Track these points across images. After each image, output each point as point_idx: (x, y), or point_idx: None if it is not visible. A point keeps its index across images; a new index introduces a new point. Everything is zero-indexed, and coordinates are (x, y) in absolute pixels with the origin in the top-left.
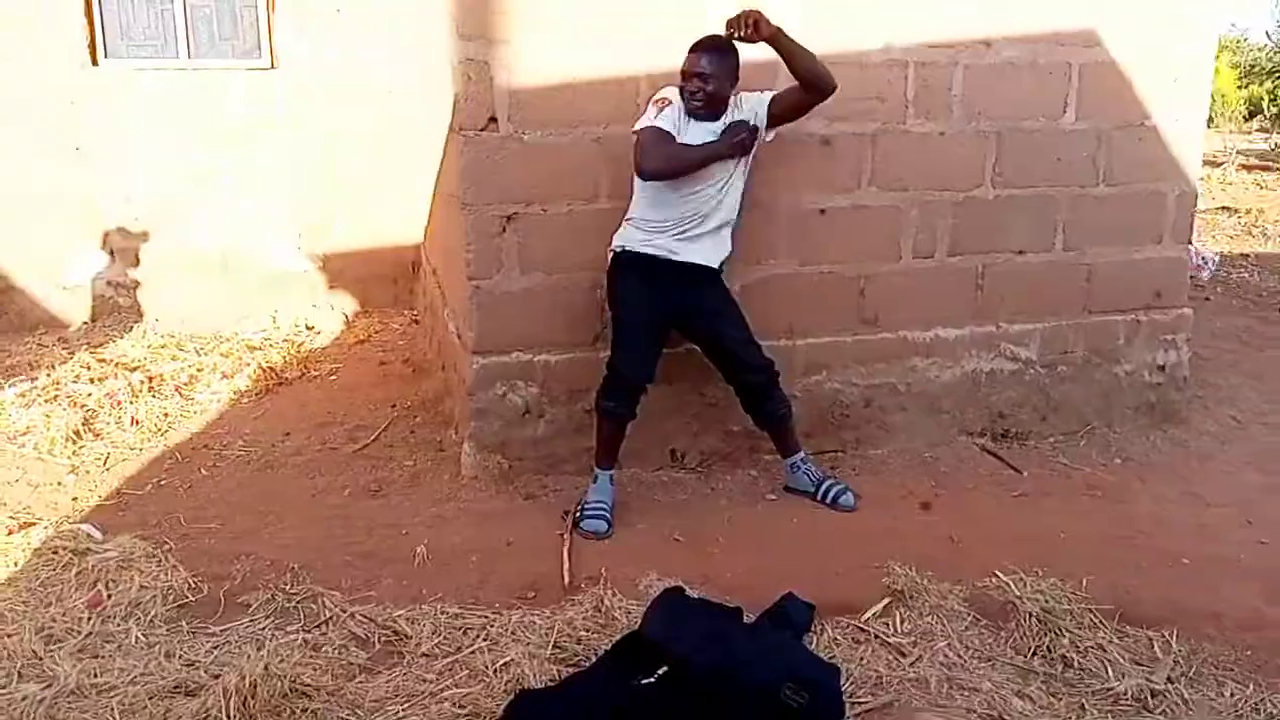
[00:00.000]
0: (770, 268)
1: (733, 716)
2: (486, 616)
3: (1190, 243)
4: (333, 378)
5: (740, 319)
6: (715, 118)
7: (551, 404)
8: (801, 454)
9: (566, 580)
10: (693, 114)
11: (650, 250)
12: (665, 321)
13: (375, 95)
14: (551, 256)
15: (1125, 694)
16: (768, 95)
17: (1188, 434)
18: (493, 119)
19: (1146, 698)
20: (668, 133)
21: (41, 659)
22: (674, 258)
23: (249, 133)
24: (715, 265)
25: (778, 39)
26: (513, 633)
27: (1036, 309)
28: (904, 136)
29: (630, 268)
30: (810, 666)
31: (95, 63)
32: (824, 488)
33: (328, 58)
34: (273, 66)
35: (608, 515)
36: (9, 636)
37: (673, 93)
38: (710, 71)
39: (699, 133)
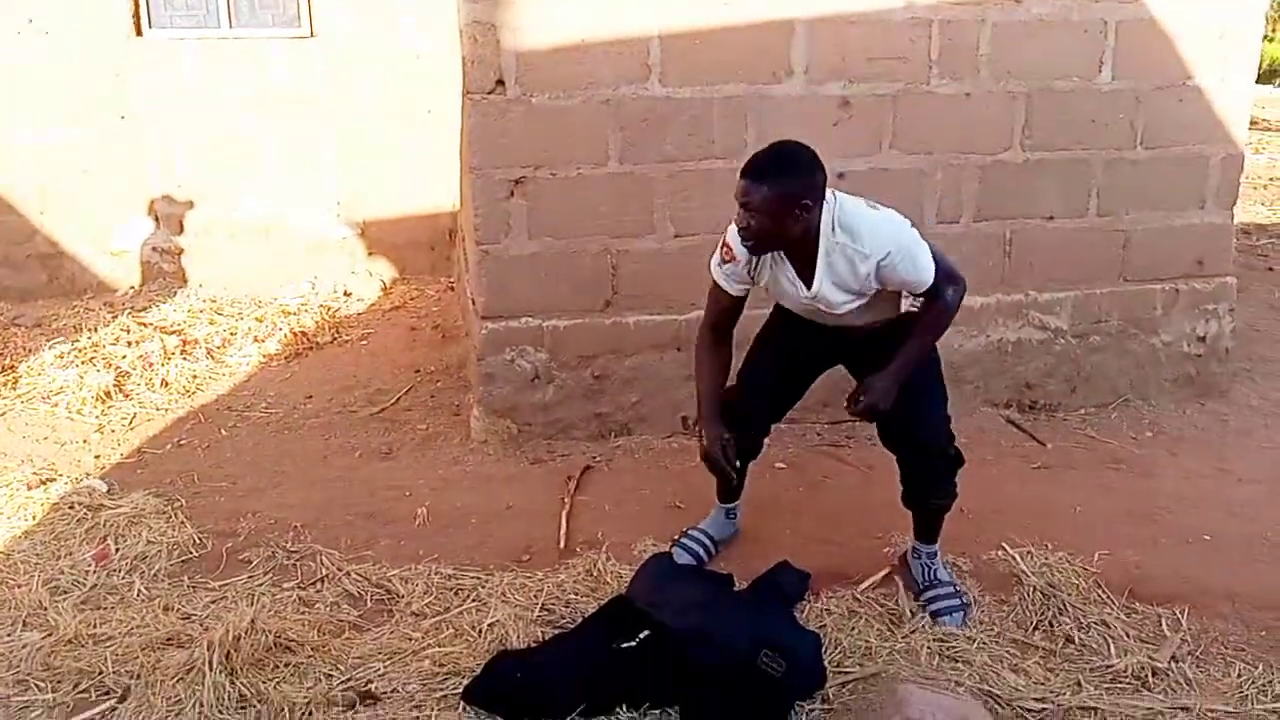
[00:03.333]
0: None
1: (709, 682)
2: (479, 578)
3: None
4: (363, 343)
5: (920, 382)
6: (801, 258)
7: (560, 369)
8: (935, 549)
9: (563, 544)
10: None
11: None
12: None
13: (413, 63)
14: (560, 221)
15: (1125, 671)
16: (881, 270)
17: (1228, 408)
18: (500, 82)
19: (1147, 675)
20: (721, 290)
21: (46, 609)
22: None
23: (289, 101)
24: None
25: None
26: (502, 594)
27: (1068, 276)
28: (927, 98)
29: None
30: (789, 634)
31: (139, 33)
32: (930, 594)
33: (366, 26)
34: (312, 35)
35: (699, 550)
36: (19, 587)
37: (737, 245)
38: (755, 205)
39: (779, 277)
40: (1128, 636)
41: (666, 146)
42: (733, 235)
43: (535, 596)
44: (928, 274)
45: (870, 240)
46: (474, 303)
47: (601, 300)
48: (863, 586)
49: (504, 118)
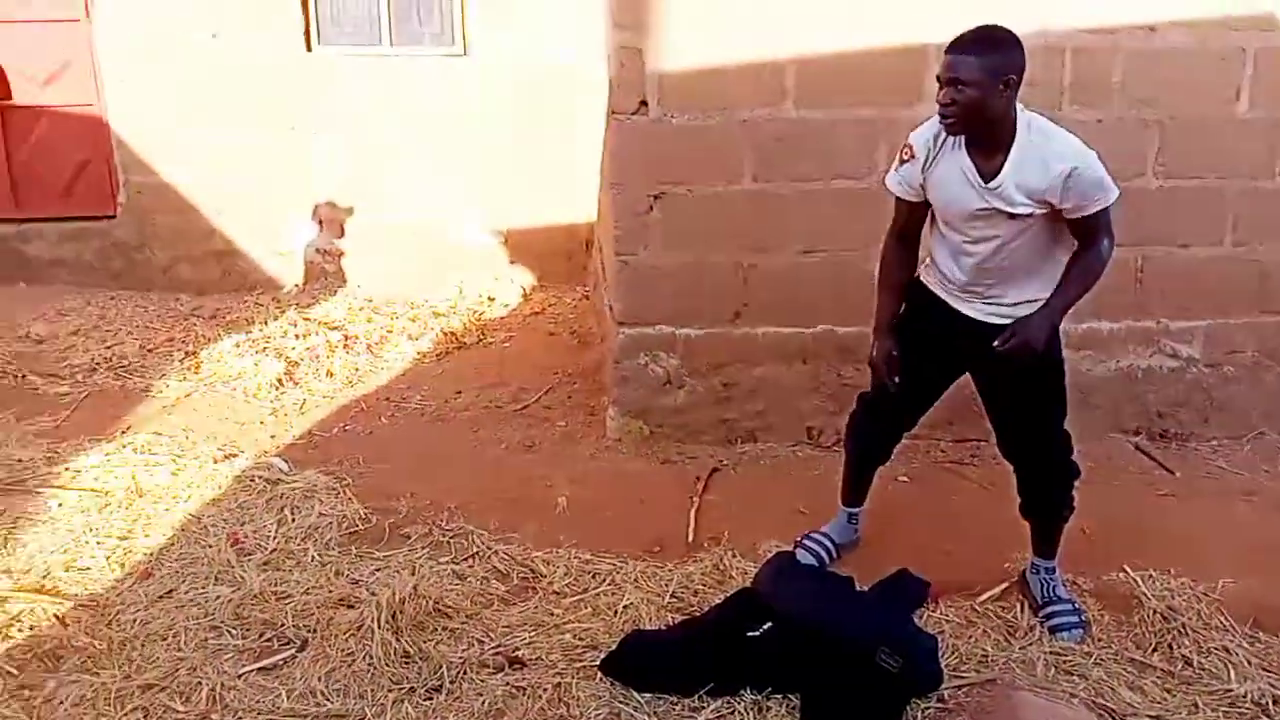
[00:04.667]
0: None
1: (829, 674)
2: (614, 564)
3: None
4: (505, 345)
5: (1044, 388)
6: (992, 146)
7: (691, 376)
8: (1053, 564)
9: (690, 539)
10: (953, 136)
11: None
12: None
13: (556, 80)
14: (695, 234)
15: (1245, 697)
16: (1069, 179)
17: None
18: (643, 102)
19: (1268, 704)
20: (899, 200)
21: (234, 567)
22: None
23: (442, 115)
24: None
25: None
26: (635, 581)
27: (1201, 306)
28: (1060, 124)
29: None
30: (907, 634)
31: (309, 49)
32: (1048, 610)
33: (514, 44)
34: (465, 53)
35: (821, 553)
36: (209, 547)
37: (920, 136)
38: (962, 77)
39: (953, 173)
40: (1249, 664)
41: (799, 166)
42: (915, 135)
43: (666, 585)
44: (1107, 197)
45: (1064, 147)
46: (611, 309)
47: (732, 311)
48: (981, 598)
49: (646, 136)
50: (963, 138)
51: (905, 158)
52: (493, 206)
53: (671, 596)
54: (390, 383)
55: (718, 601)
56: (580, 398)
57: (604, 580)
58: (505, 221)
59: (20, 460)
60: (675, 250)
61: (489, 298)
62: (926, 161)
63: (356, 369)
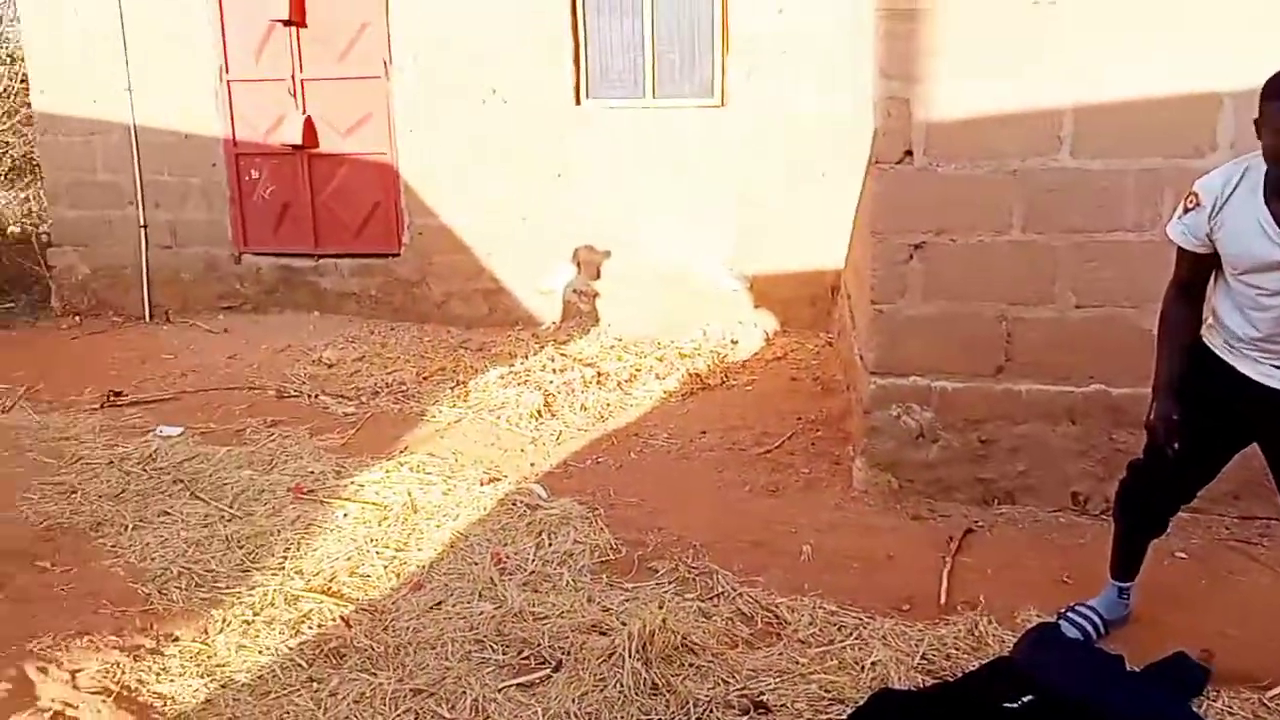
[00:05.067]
0: None
1: None
2: (860, 619)
3: None
4: (748, 388)
5: None
6: None
7: (946, 430)
8: None
9: (943, 600)
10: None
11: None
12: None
13: (805, 129)
14: (957, 285)
15: None
16: None
17: None
18: (908, 152)
19: None
20: (1182, 250)
21: (496, 585)
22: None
23: (697, 163)
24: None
25: None
26: (884, 638)
27: None
28: None
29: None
30: None
31: (578, 102)
32: None
33: (769, 95)
34: (722, 104)
35: (1088, 627)
36: (475, 564)
37: (1208, 184)
38: None
39: (1248, 224)
40: None
41: (1073, 217)
42: (1202, 183)
43: (916, 645)
44: None
45: None
46: (862, 358)
47: (993, 365)
48: (1271, 693)
49: (909, 185)
50: (1259, 186)
51: (1190, 206)
52: (741, 252)
53: (922, 658)
54: (639, 419)
55: (973, 668)
56: (824, 445)
57: (850, 634)
58: (752, 267)
59: (312, 472)
60: (935, 300)
61: (733, 340)
62: (1214, 210)
63: (608, 404)
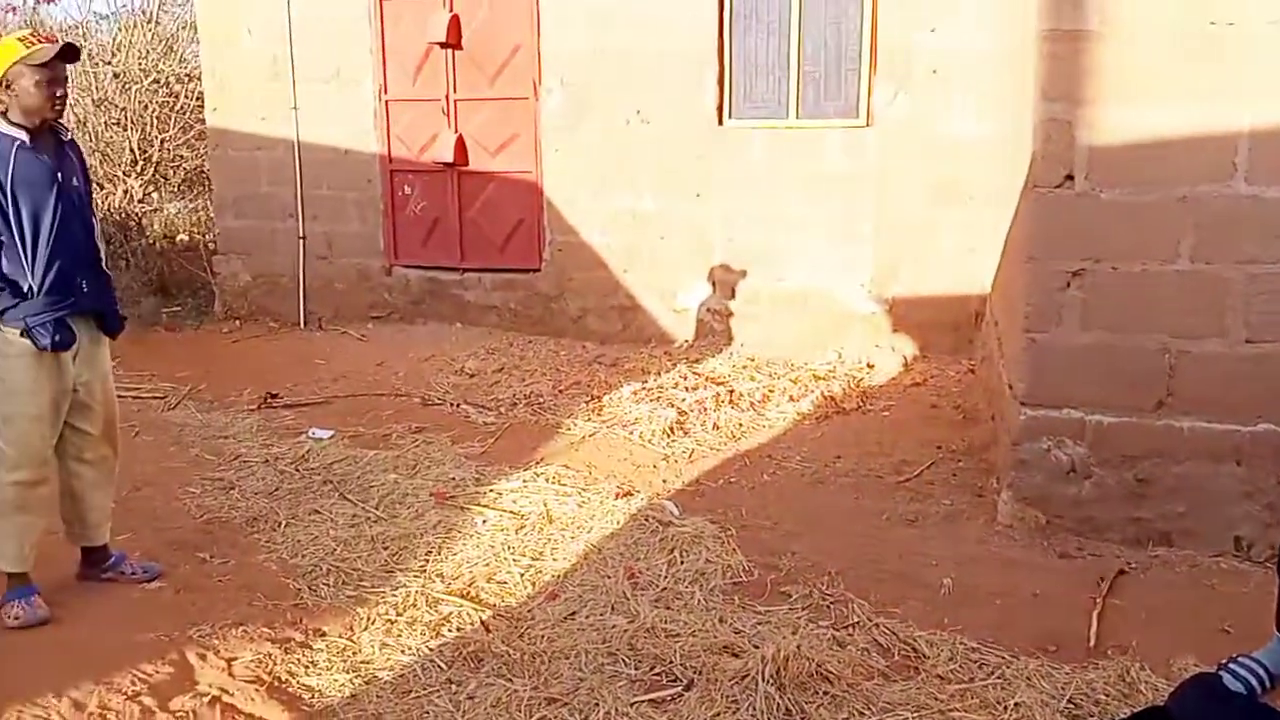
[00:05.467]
0: None
1: None
2: (1003, 657)
3: None
4: (885, 413)
5: None
6: None
7: (1100, 466)
8: None
9: (1092, 643)
10: None
11: None
12: None
13: (952, 150)
14: (1117, 315)
15: None
16: None
17: None
18: (1069, 176)
19: None
20: None
21: (628, 600)
22: None
23: (837, 183)
24: None
25: None
26: (1028, 678)
27: None
28: None
29: None
30: None
31: (720, 122)
32: None
33: (915, 115)
34: (867, 124)
35: (1253, 681)
36: (607, 577)
37: None
38: None
39: None
40: None
41: (1247, 246)
42: None
43: (1062, 688)
44: None
45: None
46: (1011, 388)
47: (1154, 400)
48: None
49: (1068, 211)
50: None
51: None
52: (880, 274)
53: (1069, 702)
54: (772, 440)
55: (1123, 716)
56: (966, 476)
57: (992, 672)
58: (891, 289)
59: (453, 478)
60: (1092, 330)
61: (869, 364)
62: None
63: (740, 424)
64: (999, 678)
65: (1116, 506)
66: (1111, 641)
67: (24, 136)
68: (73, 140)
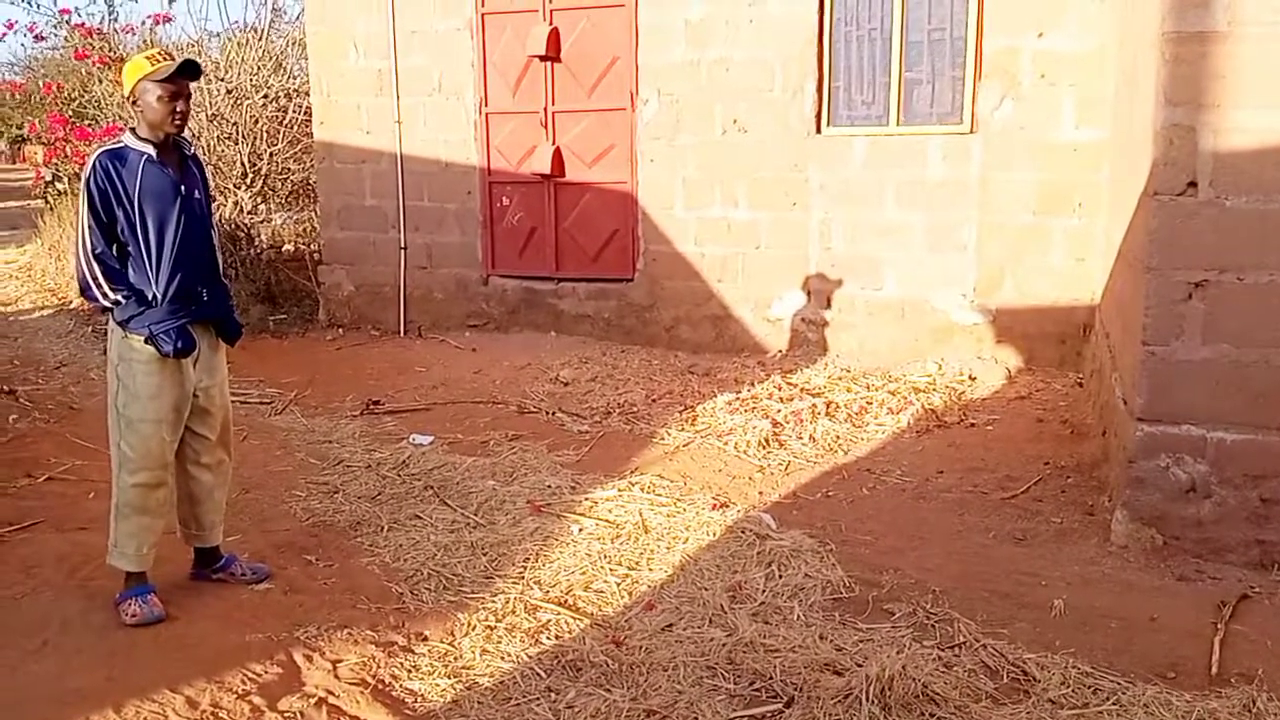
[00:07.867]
0: None
1: None
2: (1119, 683)
3: None
4: (989, 427)
5: None
6: None
7: (1221, 485)
8: None
9: (1214, 670)
10: None
11: None
12: None
13: (1068, 156)
14: (1243, 328)
15: None
16: None
17: None
18: (1192, 184)
19: None
20: None
21: (726, 613)
22: None
23: (939, 191)
24: None
25: None
26: (1145, 705)
27: None
28: None
29: None
30: None
31: (819, 130)
32: None
33: (1025, 121)
34: (971, 131)
35: None
36: (704, 589)
37: None
38: None
39: None
40: None
41: None
42: None
43: (1182, 717)
44: None
45: None
46: (1126, 403)
47: None
48: None
49: (1191, 219)
50: None
51: None
52: (982, 284)
53: None
54: (870, 454)
55: None
56: (1075, 494)
57: (1107, 698)
58: (994, 300)
59: (549, 486)
60: (1215, 343)
61: (970, 376)
62: None
63: (837, 437)
64: (1115, 703)
65: (1239, 528)
66: (1235, 669)
67: (151, 150)
68: (195, 154)
